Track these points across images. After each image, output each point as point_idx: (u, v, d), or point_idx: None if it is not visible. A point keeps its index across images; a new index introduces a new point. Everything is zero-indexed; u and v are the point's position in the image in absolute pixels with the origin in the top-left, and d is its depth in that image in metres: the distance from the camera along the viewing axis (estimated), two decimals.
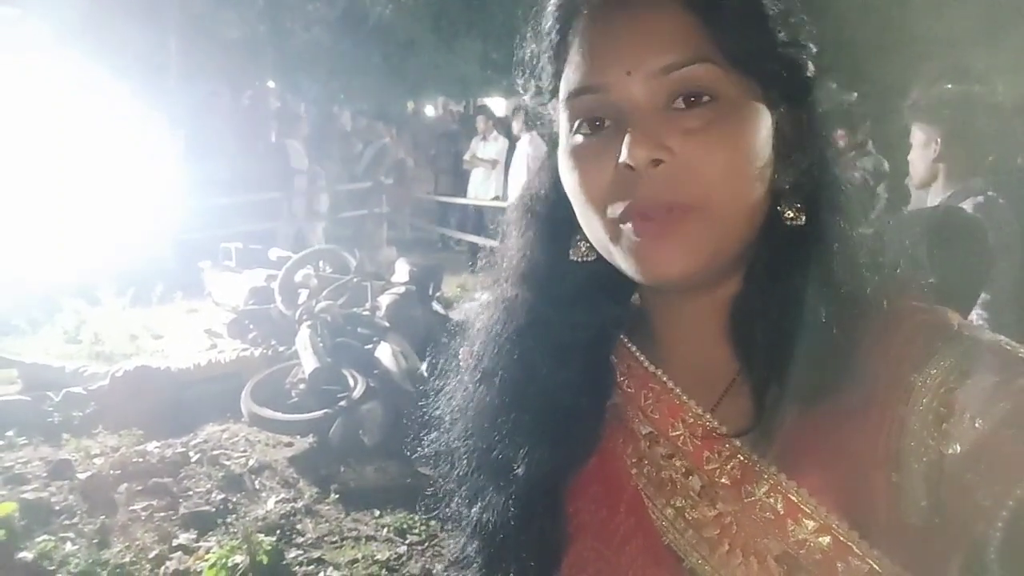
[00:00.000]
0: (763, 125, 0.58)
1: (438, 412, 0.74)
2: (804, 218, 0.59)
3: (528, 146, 7.95)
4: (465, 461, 0.71)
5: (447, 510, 0.73)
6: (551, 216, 0.67)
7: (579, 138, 0.60)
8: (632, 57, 0.57)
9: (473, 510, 0.69)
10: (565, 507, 0.67)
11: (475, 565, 0.70)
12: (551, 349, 0.67)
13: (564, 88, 0.61)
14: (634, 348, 0.69)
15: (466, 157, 9.48)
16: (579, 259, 0.66)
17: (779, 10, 0.59)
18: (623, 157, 0.55)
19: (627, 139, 0.55)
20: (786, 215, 0.59)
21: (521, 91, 0.68)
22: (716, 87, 0.56)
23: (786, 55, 0.60)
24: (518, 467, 0.66)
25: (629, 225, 0.57)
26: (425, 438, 0.75)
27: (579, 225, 0.63)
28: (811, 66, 0.61)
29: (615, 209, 0.58)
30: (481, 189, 9.27)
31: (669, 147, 0.55)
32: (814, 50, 0.61)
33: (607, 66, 0.58)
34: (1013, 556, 0.49)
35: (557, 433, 0.67)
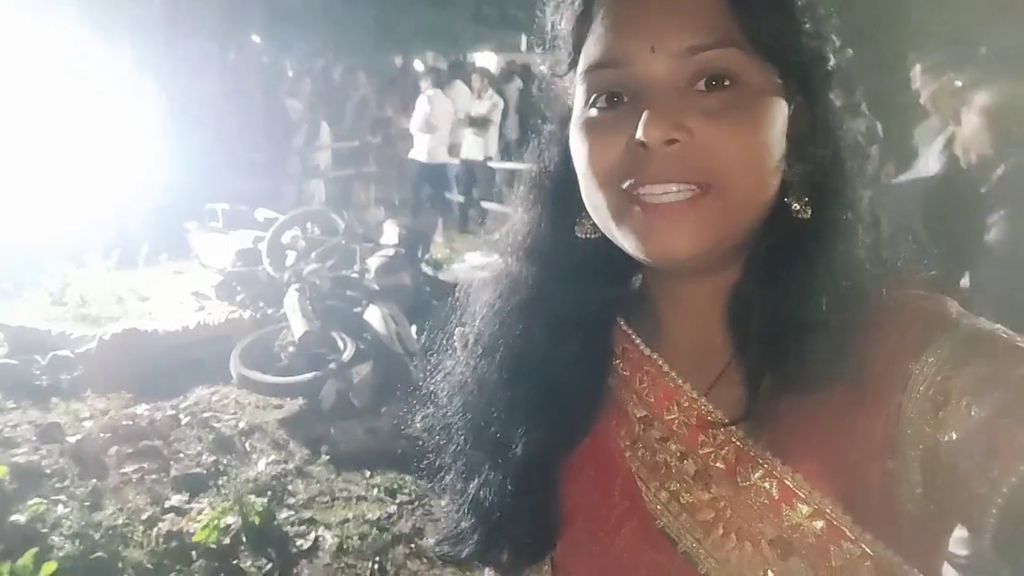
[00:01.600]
0: (780, 114, 0.57)
1: (434, 387, 0.74)
2: (811, 211, 0.58)
3: (427, 104, 7.99)
4: (462, 436, 0.70)
5: (441, 484, 0.73)
6: (559, 192, 0.66)
7: (594, 112, 0.59)
8: (657, 34, 0.55)
9: (470, 486, 0.69)
10: (561, 485, 0.67)
11: (470, 542, 0.70)
12: (551, 326, 0.67)
13: (584, 61, 0.60)
14: (630, 331, 0.69)
15: (459, 115, 9.32)
16: (584, 236, 0.65)
17: (804, 3, 0.58)
18: (639, 134, 0.54)
19: (644, 117, 0.54)
20: (793, 207, 0.59)
21: (540, 63, 0.66)
22: (739, 72, 0.55)
23: (810, 47, 0.58)
24: (516, 444, 0.66)
25: (637, 207, 0.56)
26: (421, 412, 0.74)
27: None
28: (832, 59, 0.60)
29: (623, 185, 0.56)
30: (474, 148, 9.16)
31: (687, 127, 0.54)
32: (837, 43, 0.60)
33: (631, 41, 0.56)
34: (1008, 543, 0.49)
35: (554, 411, 0.66)
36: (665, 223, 0.55)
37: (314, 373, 3.92)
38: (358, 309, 4.34)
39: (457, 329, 0.74)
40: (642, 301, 0.68)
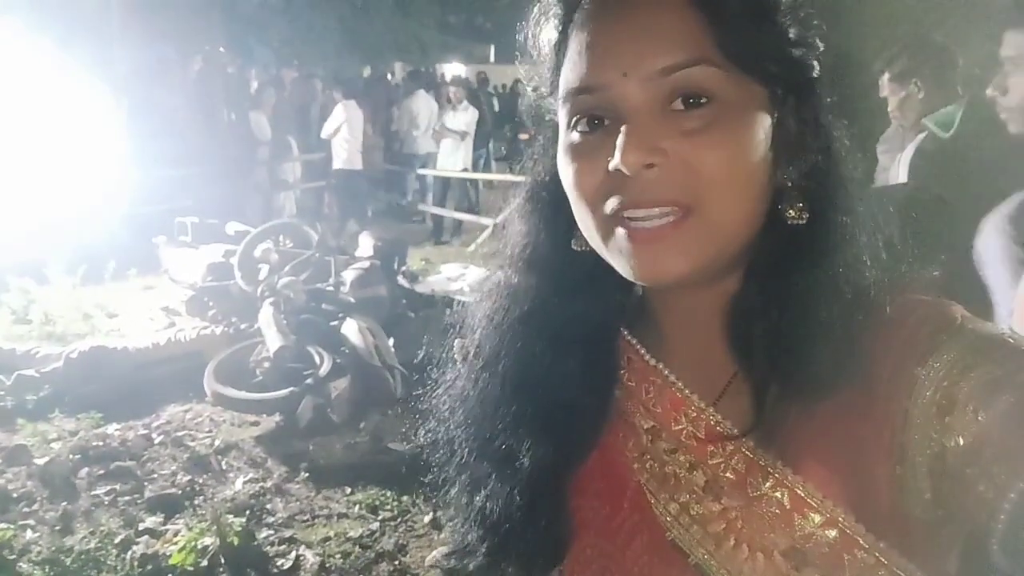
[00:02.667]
0: (762, 127, 0.57)
1: (435, 401, 0.73)
2: (807, 217, 0.59)
3: (342, 113, 8.27)
4: (466, 450, 0.70)
5: (446, 498, 0.72)
6: (555, 204, 0.66)
7: (576, 135, 0.59)
8: (629, 58, 0.55)
9: (476, 499, 0.69)
10: (569, 499, 0.66)
11: (478, 555, 0.69)
12: (553, 338, 0.66)
13: (563, 85, 0.60)
14: (635, 341, 0.69)
15: (435, 127, 9.37)
16: (580, 248, 0.65)
17: (786, 8, 0.58)
18: (615, 162, 0.54)
19: (619, 143, 0.54)
20: (788, 214, 0.59)
21: (525, 83, 0.66)
22: (715, 89, 0.55)
23: (791, 55, 0.58)
24: (522, 457, 0.66)
25: (622, 229, 0.56)
26: (423, 426, 0.74)
27: None
28: (817, 65, 0.59)
29: (608, 206, 0.57)
30: (449, 160, 9.21)
31: (663, 149, 0.54)
32: (821, 48, 0.60)
33: (604, 66, 0.56)
34: (1015, 548, 0.49)
35: (559, 424, 0.66)
36: (650, 247, 0.55)
37: (291, 389, 3.86)
38: (334, 323, 4.30)
39: (456, 341, 0.73)
40: (645, 311, 0.68)
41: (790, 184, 0.59)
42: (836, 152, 0.60)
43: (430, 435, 0.73)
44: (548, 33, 0.62)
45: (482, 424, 0.68)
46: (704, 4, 0.55)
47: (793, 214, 0.59)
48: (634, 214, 0.56)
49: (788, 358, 0.57)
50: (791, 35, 0.58)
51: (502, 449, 0.67)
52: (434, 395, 0.74)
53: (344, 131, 8.27)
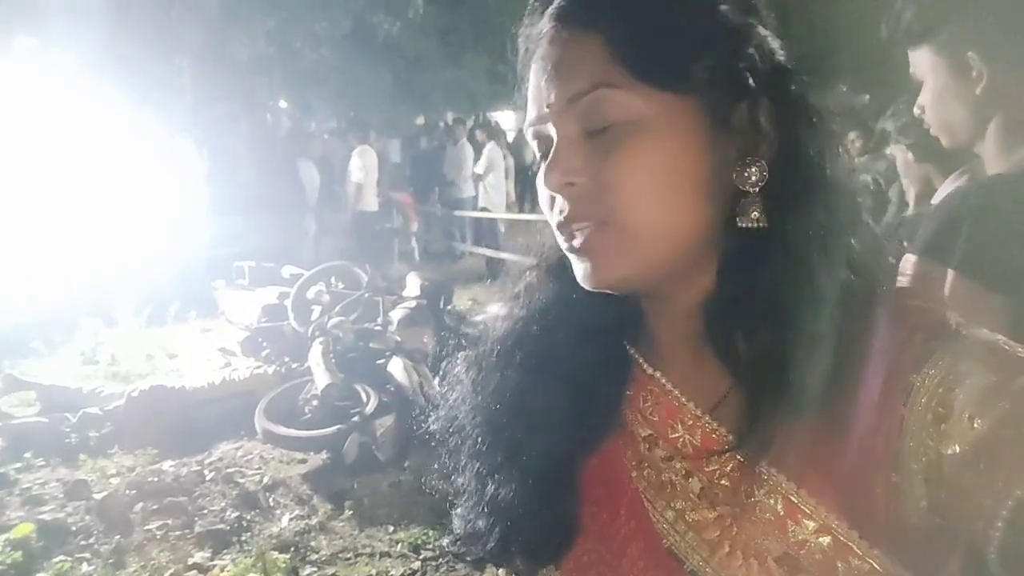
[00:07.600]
0: (686, 136, 0.56)
1: (446, 390, 0.74)
2: (764, 221, 0.57)
3: (357, 157, 8.87)
4: (479, 437, 0.70)
5: (455, 485, 0.73)
6: None
7: (540, 161, 0.63)
8: (548, 90, 0.59)
9: (487, 486, 0.69)
10: (576, 491, 0.66)
11: (486, 541, 0.70)
12: (570, 334, 0.68)
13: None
14: (633, 351, 0.69)
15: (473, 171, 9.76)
16: None
17: (703, 14, 0.57)
18: (539, 183, 0.60)
19: (543, 167, 0.60)
20: (744, 218, 0.57)
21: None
22: (616, 112, 0.56)
23: (717, 61, 0.57)
24: (536, 447, 0.67)
25: (566, 242, 0.61)
26: (433, 414, 0.75)
27: None
28: (759, 66, 0.58)
29: (554, 219, 0.62)
30: (482, 200, 9.60)
31: (581, 170, 0.58)
32: (775, 41, 0.59)
33: (535, 102, 0.61)
34: (1013, 556, 0.48)
35: (576, 416, 0.67)
36: (585, 257, 0.59)
37: (338, 426, 3.92)
38: (381, 361, 4.36)
39: (466, 355, 0.75)
40: (644, 323, 0.69)
41: (748, 188, 0.57)
42: (801, 155, 0.57)
43: (442, 424, 0.74)
44: (521, 73, 0.65)
45: (496, 414, 0.69)
46: (605, 28, 0.56)
47: (755, 215, 0.57)
48: (569, 228, 0.60)
49: (777, 365, 0.56)
50: (716, 40, 0.57)
51: (516, 439, 0.68)
52: (445, 384, 0.75)
53: (360, 174, 8.83)
